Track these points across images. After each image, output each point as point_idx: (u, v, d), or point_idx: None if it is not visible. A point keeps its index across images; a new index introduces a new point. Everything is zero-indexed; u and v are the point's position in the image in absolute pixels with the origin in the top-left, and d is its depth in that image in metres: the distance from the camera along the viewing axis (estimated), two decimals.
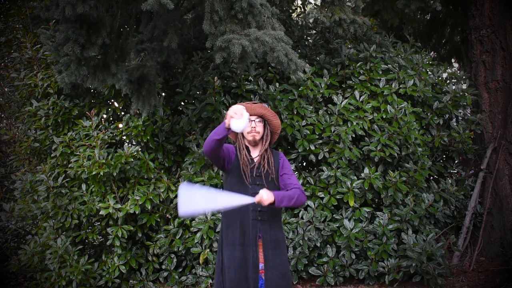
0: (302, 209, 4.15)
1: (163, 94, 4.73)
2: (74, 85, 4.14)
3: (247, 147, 2.58)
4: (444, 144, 4.65)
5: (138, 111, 4.16)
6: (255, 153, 2.58)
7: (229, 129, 2.25)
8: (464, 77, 5.18)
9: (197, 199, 2.25)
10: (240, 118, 2.20)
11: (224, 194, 2.34)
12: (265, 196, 2.27)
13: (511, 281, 4.02)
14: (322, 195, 4.16)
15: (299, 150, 4.27)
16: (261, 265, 2.45)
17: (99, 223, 4.31)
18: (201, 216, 4.09)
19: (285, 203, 2.35)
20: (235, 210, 2.50)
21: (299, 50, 4.90)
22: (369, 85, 4.54)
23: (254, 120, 2.53)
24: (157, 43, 3.37)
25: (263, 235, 2.46)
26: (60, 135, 4.45)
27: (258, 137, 2.54)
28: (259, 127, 2.55)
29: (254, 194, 2.45)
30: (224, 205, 2.29)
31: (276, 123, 2.60)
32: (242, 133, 2.58)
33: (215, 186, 4.14)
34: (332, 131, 4.23)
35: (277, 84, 4.46)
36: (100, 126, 4.38)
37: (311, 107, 4.39)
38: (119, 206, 4.02)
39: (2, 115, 6.65)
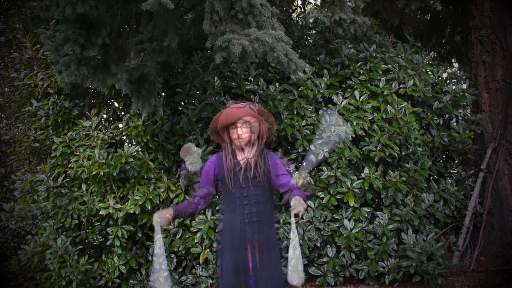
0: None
1: (163, 94, 4.73)
2: (74, 85, 4.14)
3: (233, 151, 2.56)
4: (444, 144, 4.65)
5: (138, 111, 4.15)
6: (243, 155, 2.56)
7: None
8: (464, 77, 5.17)
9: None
10: (188, 159, 2.40)
11: None
12: (300, 206, 2.32)
13: (511, 281, 4.02)
14: (322, 195, 4.15)
15: (299, 150, 4.27)
16: (250, 265, 2.45)
17: (99, 223, 4.31)
18: (201, 216, 4.10)
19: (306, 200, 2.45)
20: (228, 215, 2.53)
21: (299, 50, 4.89)
22: (369, 85, 4.54)
23: (240, 127, 2.48)
24: (157, 43, 3.37)
25: (251, 237, 2.46)
26: (60, 135, 4.45)
27: (244, 143, 2.52)
28: (245, 133, 2.50)
29: (240, 197, 2.48)
30: None
31: (262, 127, 2.54)
32: (229, 138, 2.56)
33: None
34: (332, 131, 4.23)
35: (277, 84, 4.46)
36: (100, 126, 4.38)
37: (311, 107, 4.39)
38: (119, 206, 4.02)
39: (2, 115, 6.65)
